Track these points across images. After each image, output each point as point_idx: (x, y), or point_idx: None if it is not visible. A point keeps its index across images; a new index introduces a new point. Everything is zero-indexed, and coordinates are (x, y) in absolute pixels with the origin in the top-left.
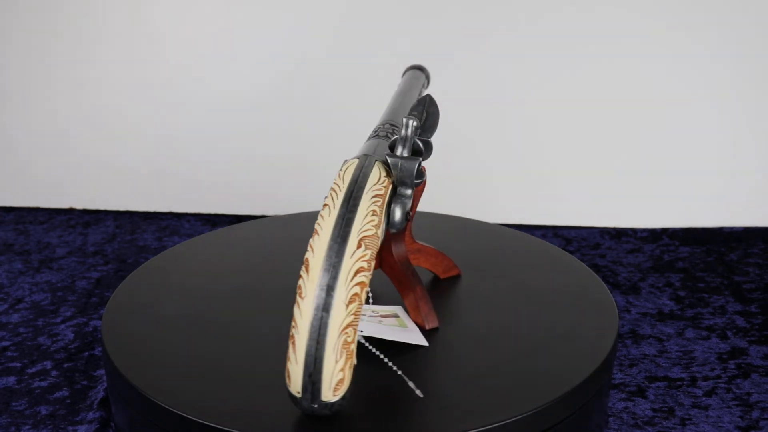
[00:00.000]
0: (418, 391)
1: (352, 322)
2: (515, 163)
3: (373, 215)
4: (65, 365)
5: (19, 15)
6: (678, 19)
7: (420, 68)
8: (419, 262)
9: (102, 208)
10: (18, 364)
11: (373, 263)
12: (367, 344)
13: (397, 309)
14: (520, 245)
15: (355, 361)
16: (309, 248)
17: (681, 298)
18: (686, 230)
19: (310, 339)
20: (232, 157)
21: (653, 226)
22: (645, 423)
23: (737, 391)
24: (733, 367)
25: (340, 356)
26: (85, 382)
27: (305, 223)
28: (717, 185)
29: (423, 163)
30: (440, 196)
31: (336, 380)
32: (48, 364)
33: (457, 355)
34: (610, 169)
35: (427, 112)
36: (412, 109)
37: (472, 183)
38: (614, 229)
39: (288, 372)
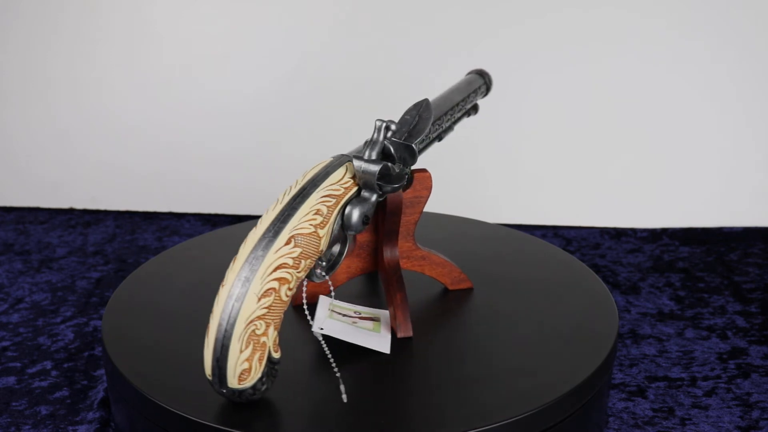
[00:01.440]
0: (344, 396)
1: (265, 315)
2: (515, 164)
3: (315, 214)
4: (65, 365)
5: (19, 15)
6: (678, 19)
7: (481, 73)
8: (424, 270)
9: (102, 208)
10: (18, 364)
11: (307, 261)
12: (322, 341)
13: (383, 314)
14: (520, 245)
15: (276, 355)
16: (245, 239)
17: (681, 298)
18: (686, 230)
19: (220, 326)
20: (232, 157)
21: (653, 226)
22: (645, 423)
23: (737, 391)
24: (733, 367)
25: (246, 346)
26: (85, 382)
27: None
28: (717, 185)
29: (430, 171)
30: (441, 196)
31: (240, 369)
32: (48, 364)
33: (457, 355)
34: (610, 169)
35: (419, 116)
36: (407, 111)
37: (473, 183)
38: (614, 229)
39: (204, 355)
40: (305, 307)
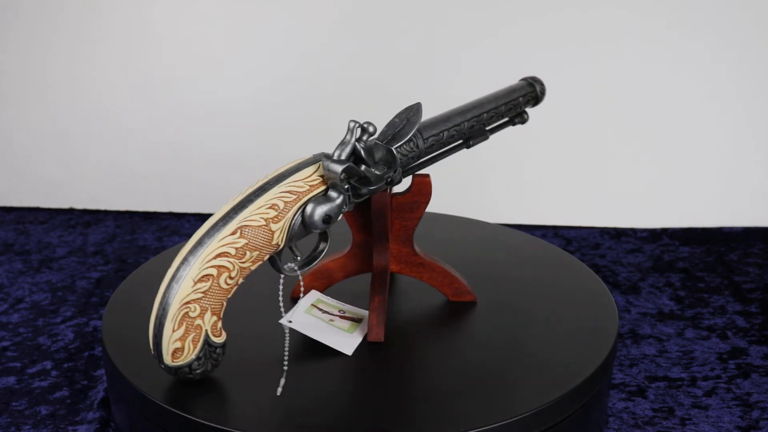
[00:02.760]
0: (279, 389)
1: (200, 299)
2: (516, 164)
3: (270, 208)
4: (65, 365)
5: (19, 15)
6: (678, 19)
7: (531, 81)
8: (422, 277)
9: (102, 208)
10: (18, 364)
11: (255, 253)
12: (287, 334)
13: (366, 314)
14: (520, 245)
15: (218, 339)
16: (202, 226)
17: (681, 298)
18: (686, 230)
19: (160, 305)
20: (232, 157)
21: (653, 226)
22: (645, 423)
23: (737, 391)
24: (733, 367)
25: (178, 326)
26: (85, 382)
27: None
28: (717, 185)
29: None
30: (441, 196)
31: (173, 348)
32: (48, 364)
33: (457, 355)
34: (610, 169)
35: (407, 120)
36: (398, 114)
37: (473, 183)
38: (614, 229)
39: (148, 331)
40: (281, 301)
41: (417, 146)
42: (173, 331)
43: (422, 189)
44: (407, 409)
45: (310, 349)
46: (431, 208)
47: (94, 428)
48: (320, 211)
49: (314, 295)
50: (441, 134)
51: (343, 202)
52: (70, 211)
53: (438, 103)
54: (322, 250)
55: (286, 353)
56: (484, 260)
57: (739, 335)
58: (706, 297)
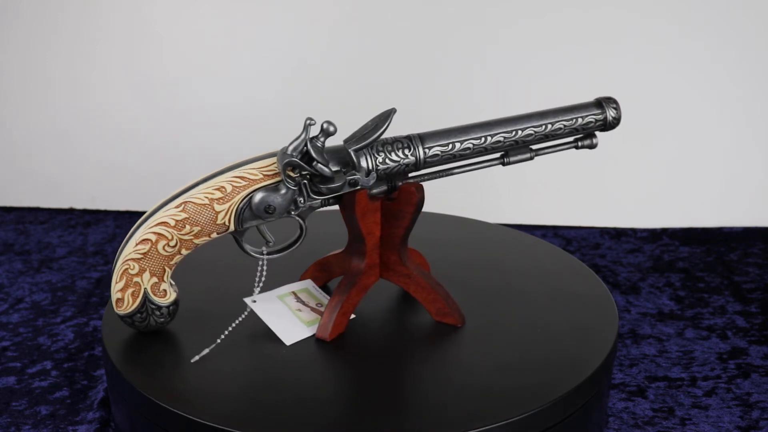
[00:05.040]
0: (197, 357)
1: (139, 259)
2: (515, 163)
3: (216, 189)
4: (65, 365)
5: (19, 15)
6: (678, 19)
7: (601, 102)
8: (408, 288)
9: (102, 208)
10: (18, 364)
11: (195, 228)
12: (244, 313)
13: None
14: (520, 245)
15: (161, 300)
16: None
17: (681, 298)
18: (686, 230)
19: (115, 260)
20: (232, 158)
21: (653, 226)
22: (645, 423)
23: (737, 391)
24: (733, 367)
25: (119, 280)
26: (85, 382)
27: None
28: (717, 185)
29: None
30: (440, 196)
31: (115, 298)
32: (48, 364)
33: (457, 355)
34: (610, 169)
35: (376, 125)
36: (374, 117)
37: (473, 183)
38: (614, 229)
39: None
40: (256, 281)
41: (415, 155)
42: (116, 282)
43: (407, 197)
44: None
45: (265, 333)
46: (431, 207)
47: (94, 428)
48: (263, 199)
49: (304, 284)
50: (450, 145)
51: (292, 195)
52: (70, 211)
53: (439, 102)
54: (293, 243)
55: (230, 329)
56: (483, 260)
57: (739, 335)
58: (706, 297)
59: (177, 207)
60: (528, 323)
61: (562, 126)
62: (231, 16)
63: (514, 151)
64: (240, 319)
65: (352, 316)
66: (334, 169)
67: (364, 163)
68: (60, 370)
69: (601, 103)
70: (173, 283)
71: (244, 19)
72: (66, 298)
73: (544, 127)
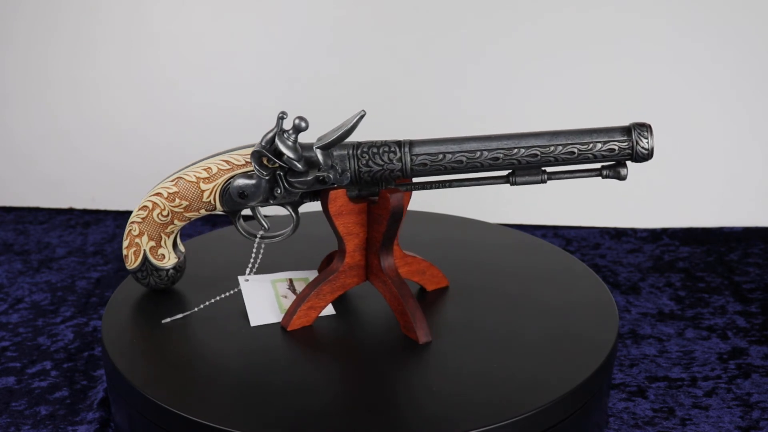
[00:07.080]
0: (168, 320)
1: (139, 222)
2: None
3: (204, 170)
4: (65, 365)
5: (19, 15)
6: (678, 19)
7: (630, 129)
8: (385, 296)
9: (102, 208)
10: (18, 364)
11: (184, 202)
12: (233, 290)
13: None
14: (520, 245)
15: (161, 263)
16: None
17: (681, 298)
18: (686, 230)
19: (127, 223)
20: None
21: (653, 226)
22: (645, 423)
23: (737, 391)
24: (733, 367)
25: (126, 238)
26: (85, 382)
27: (305, 222)
28: (717, 185)
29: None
30: (440, 196)
31: (124, 254)
32: (48, 364)
33: (457, 355)
34: None
35: (341, 126)
36: (349, 118)
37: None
38: (614, 229)
39: None
40: (251, 261)
41: (402, 161)
42: (124, 240)
43: (383, 203)
44: (429, 404)
45: (241, 312)
46: (431, 207)
47: (94, 428)
48: (238, 184)
49: (307, 273)
50: (440, 156)
51: (265, 185)
52: (70, 211)
53: (438, 103)
54: (285, 231)
55: (211, 301)
56: (483, 260)
57: (739, 335)
58: (706, 297)
59: (171, 181)
60: (528, 323)
61: (575, 150)
62: (231, 17)
63: (522, 171)
64: (225, 294)
65: (355, 316)
66: (304, 166)
67: (347, 164)
68: (60, 371)
69: (630, 130)
70: (183, 250)
71: (245, 21)
72: (66, 298)
73: (552, 148)
